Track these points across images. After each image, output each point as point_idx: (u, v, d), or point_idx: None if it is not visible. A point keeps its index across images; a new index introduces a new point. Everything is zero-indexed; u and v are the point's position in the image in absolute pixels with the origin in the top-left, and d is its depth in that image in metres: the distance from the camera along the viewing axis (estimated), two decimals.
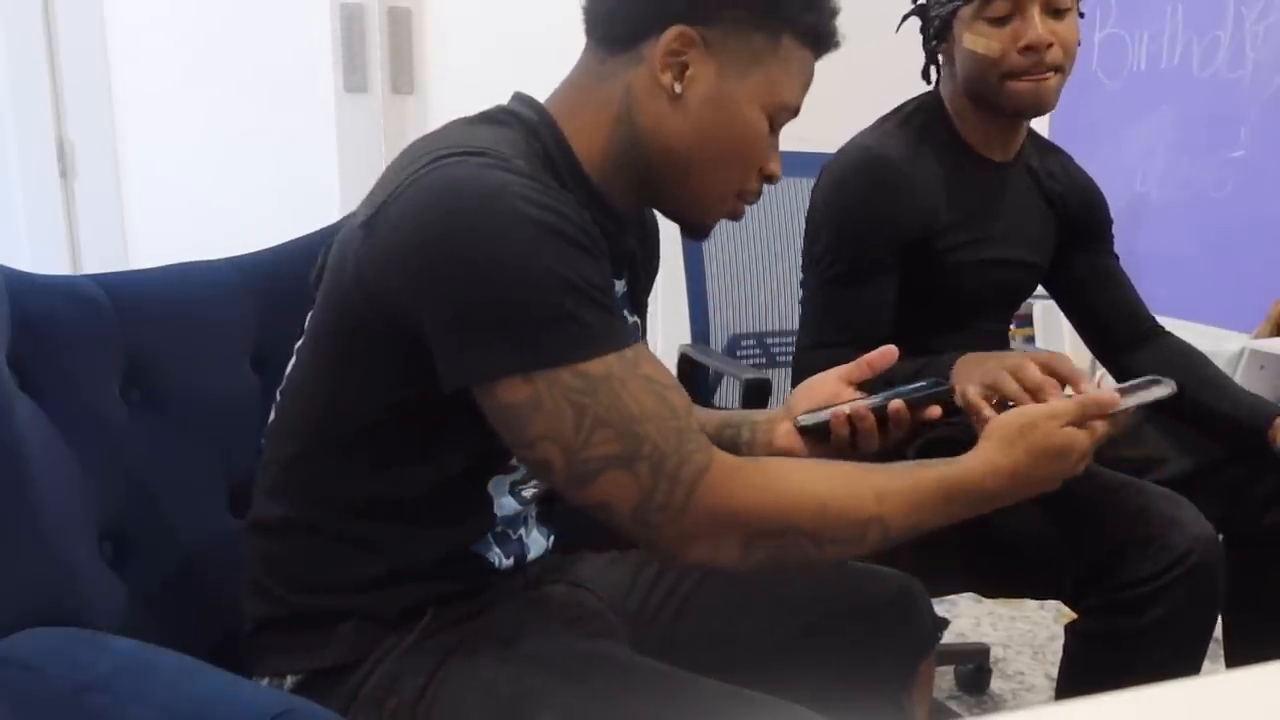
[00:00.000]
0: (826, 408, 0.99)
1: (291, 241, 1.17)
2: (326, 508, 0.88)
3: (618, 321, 0.78)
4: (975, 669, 1.99)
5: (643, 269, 1.04)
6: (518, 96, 0.94)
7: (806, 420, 0.99)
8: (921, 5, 1.38)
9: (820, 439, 0.99)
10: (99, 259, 2.28)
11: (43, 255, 2.23)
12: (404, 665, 0.85)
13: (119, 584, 0.91)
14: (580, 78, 0.92)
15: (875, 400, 0.98)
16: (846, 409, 0.97)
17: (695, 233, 0.98)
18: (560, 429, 0.74)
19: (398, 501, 0.87)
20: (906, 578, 1.05)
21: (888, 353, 1.01)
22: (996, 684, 2.01)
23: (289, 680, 0.88)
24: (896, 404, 0.96)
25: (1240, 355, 2.06)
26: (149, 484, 0.98)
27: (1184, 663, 1.20)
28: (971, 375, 1.06)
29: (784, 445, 1.01)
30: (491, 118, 0.90)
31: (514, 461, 0.91)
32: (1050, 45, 1.25)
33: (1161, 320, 1.50)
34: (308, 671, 0.87)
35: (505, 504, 0.93)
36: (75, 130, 2.25)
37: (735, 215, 0.95)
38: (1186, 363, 1.42)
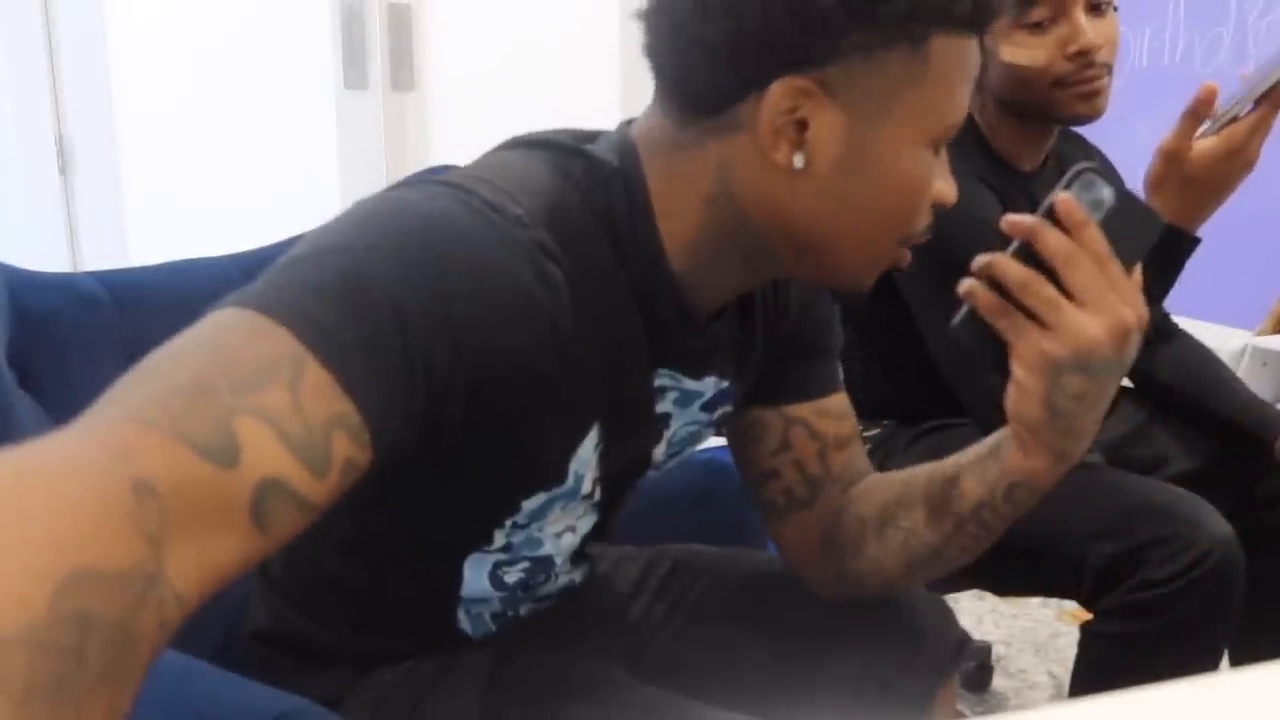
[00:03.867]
0: None
1: (292, 238, 1.16)
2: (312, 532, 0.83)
3: (352, 356, 0.54)
4: (977, 667, 1.99)
5: (765, 340, 0.87)
6: (619, 131, 0.74)
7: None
8: None
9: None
10: (98, 256, 2.28)
11: (42, 252, 2.22)
12: (385, 701, 0.82)
13: None
14: (663, 135, 0.71)
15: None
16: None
17: (848, 298, 0.84)
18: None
19: (368, 553, 0.82)
20: (930, 595, 0.97)
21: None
22: (998, 682, 2.01)
23: None
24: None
25: (1243, 352, 2.06)
26: None
27: (1202, 664, 1.19)
28: None
29: None
30: (557, 147, 0.72)
31: (496, 542, 0.78)
32: (1099, 47, 1.17)
33: None
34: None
35: (477, 586, 0.81)
36: (75, 126, 2.25)
37: (901, 263, 0.75)
38: (1198, 362, 1.42)
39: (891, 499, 0.86)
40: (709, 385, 0.82)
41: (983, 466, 0.80)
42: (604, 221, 0.69)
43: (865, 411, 1.42)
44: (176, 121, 2.32)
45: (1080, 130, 1.38)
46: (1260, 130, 1.02)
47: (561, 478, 0.74)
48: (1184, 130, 1.04)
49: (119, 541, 0.41)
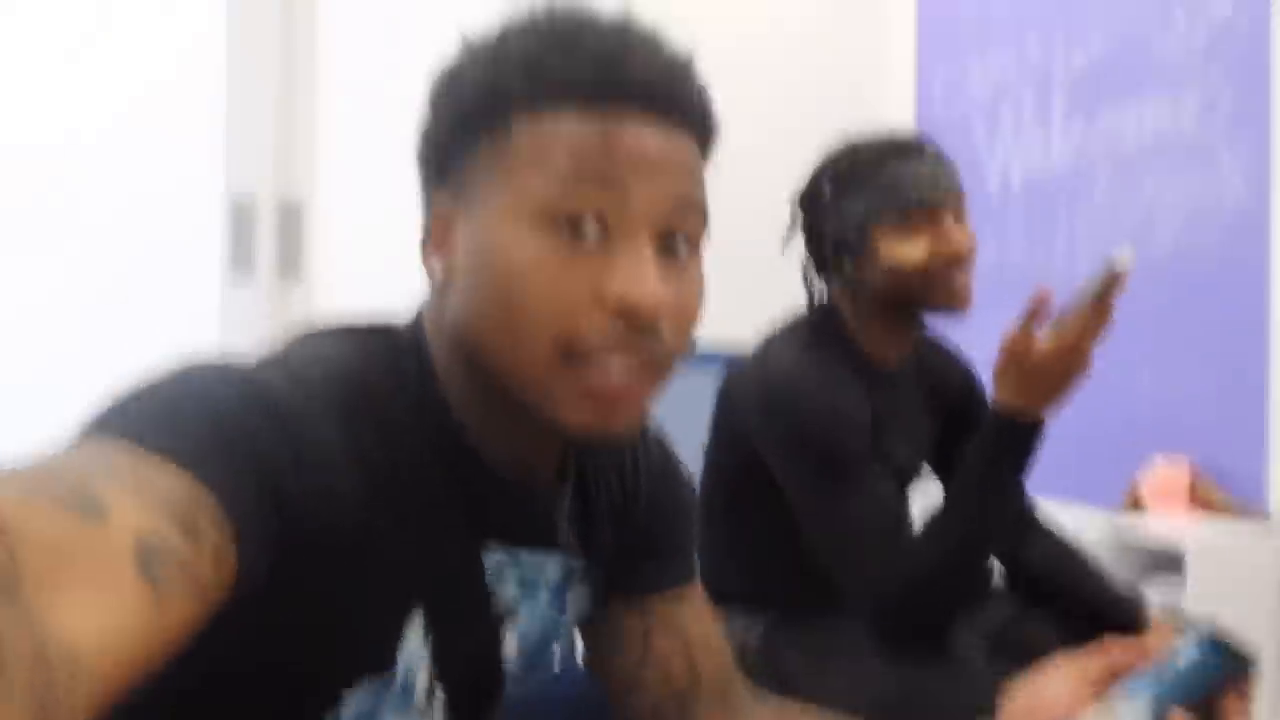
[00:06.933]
0: None
1: None
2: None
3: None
4: None
5: (613, 528, 0.84)
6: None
7: None
8: (805, 224, 1.39)
9: None
10: None
11: None
12: None
13: None
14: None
15: None
16: None
17: (581, 442, 0.75)
18: None
19: None
20: None
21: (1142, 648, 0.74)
22: None
23: None
24: None
25: (1100, 534, 2.15)
26: None
27: None
28: None
29: None
30: (363, 330, 0.73)
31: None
32: (970, 250, 1.29)
33: None
34: None
35: None
36: None
37: (595, 393, 0.64)
38: (1064, 555, 1.49)
39: None
40: (554, 563, 0.77)
41: None
42: (404, 393, 0.69)
43: (749, 602, 1.41)
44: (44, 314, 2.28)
45: (936, 324, 1.46)
46: (1090, 332, 1.11)
47: (386, 663, 0.67)
48: (1024, 328, 1.12)
49: None
